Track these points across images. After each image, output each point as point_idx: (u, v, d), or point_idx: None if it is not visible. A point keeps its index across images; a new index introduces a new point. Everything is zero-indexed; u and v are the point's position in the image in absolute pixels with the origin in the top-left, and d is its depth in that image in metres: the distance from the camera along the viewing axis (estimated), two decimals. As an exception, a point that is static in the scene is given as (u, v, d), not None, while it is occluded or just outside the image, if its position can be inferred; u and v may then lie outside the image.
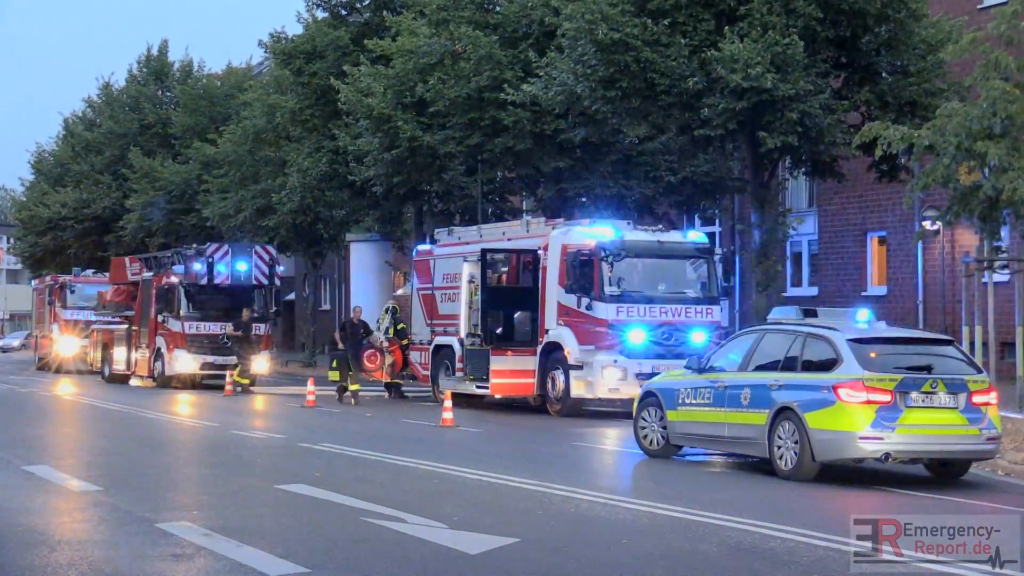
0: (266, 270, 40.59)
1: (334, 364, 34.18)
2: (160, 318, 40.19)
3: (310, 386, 32.32)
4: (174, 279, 40.24)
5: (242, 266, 39.88)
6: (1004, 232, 25.44)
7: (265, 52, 53.14)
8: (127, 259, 47.37)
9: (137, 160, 64.69)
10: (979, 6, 36.83)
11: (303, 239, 53.92)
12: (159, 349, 39.94)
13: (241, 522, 13.29)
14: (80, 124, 78.18)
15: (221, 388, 36.61)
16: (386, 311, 37.66)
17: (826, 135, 31.52)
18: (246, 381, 36.92)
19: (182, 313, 39.65)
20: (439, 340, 33.16)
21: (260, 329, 39.39)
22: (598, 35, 31.51)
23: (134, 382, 42.19)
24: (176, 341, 39.28)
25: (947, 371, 17.13)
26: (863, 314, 19.35)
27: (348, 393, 32.90)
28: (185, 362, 39.17)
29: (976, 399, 16.87)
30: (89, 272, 57.37)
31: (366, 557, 11.56)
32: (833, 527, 12.68)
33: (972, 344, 24.41)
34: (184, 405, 32.95)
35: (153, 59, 73.24)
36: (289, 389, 37.71)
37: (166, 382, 39.39)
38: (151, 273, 42.72)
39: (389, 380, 35.45)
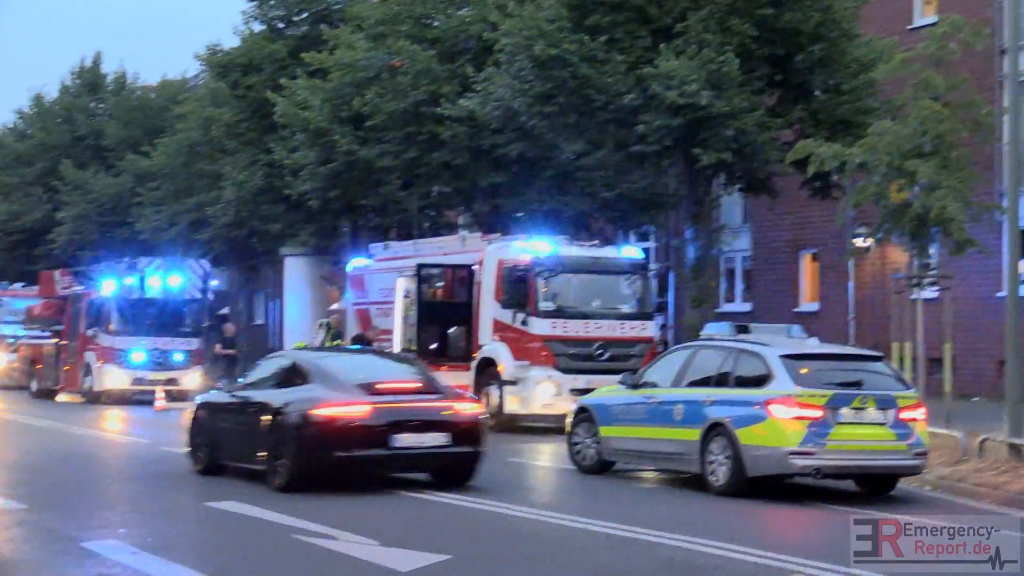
0: (200, 284, 40.38)
1: None
2: (90, 332, 39.81)
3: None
4: (105, 293, 39.90)
5: (175, 280, 39.64)
6: (933, 249, 25.68)
7: (201, 65, 52.83)
8: (57, 272, 46.86)
9: (69, 172, 63.85)
10: (909, 27, 37.27)
11: (237, 253, 53.63)
12: (88, 364, 39.53)
13: (170, 540, 13.22)
14: (11, 135, 77.32)
15: (151, 403, 36.24)
16: (320, 326, 37.49)
17: (760, 152, 31.76)
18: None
19: (113, 327, 39.29)
20: (373, 355, 33.04)
21: (193, 344, 39.26)
22: (535, 51, 31.63)
23: (62, 398, 41.71)
24: (106, 356, 38.90)
25: (877, 387, 17.30)
26: (795, 330, 19.51)
27: None
28: (116, 377, 38.79)
29: (904, 415, 17.03)
30: (18, 286, 56.63)
31: (295, 574, 11.52)
32: (764, 543, 12.76)
33: (901, 360, 24.64)
34: (114, 421, 32.62)
35: (87, 71, 72.34)
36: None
37: (96, 398, 38.87)
38: (81, 287, 42.35)
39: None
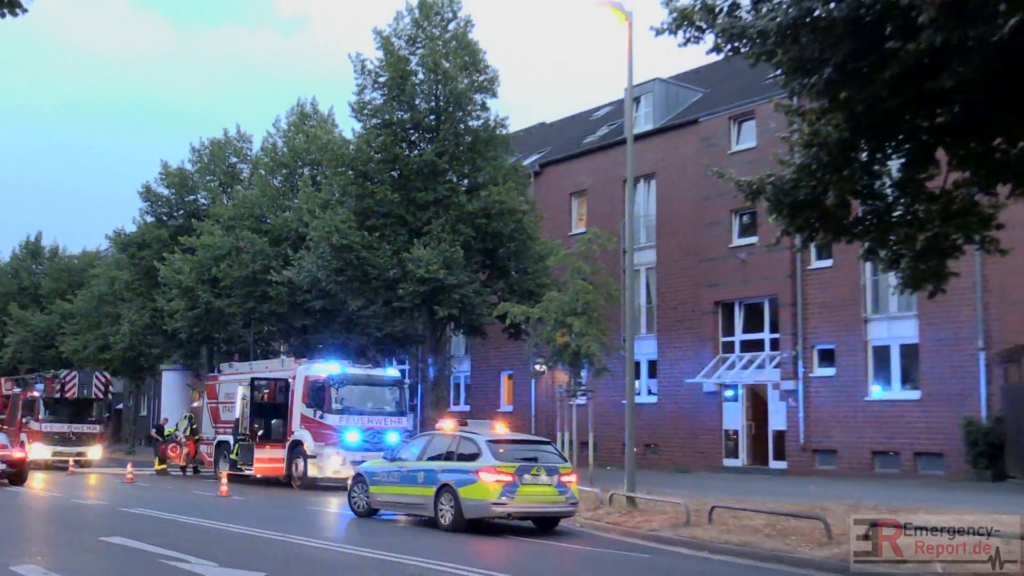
0: (103, 388, 38.74)
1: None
2: (24, 420, 37.49)
3: (129, 468, 30.56)
4: (36, 393, 37.79)
5: (85, 385, 37.98)
6: (583, 373, 26.24)
7: (110, 242, 51.32)
8: (2, 379, 44.19)
9: (15, 312, 61.18)
10: (569, 233, 38.47)
11: (130, 368, 52.00)
12: (23, 442, 36.99)
13: (73, 564, 12.31)
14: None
15: (66, 469, 34.03)
16: (184, 417, 36.17)
17: (476, 309, 32.10)
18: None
19: (40, 417, 37.18)
20: (220, 437, 32.03)
21: (97, 429, 37.39)
22: (333, 240, 31.52)
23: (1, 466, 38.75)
24: (35, 436, 36.72)
25: (547, 460, 17.44)
26: (495, 425, 19.56)
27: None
28: (40, 451, 36.52)
29: (564, 478, 17.19)
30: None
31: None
32: (475, 562, 12.61)
33: (562, 443, 24.95)
34: (37, 481, 30.38)
35: (31, 244, 69.68)
36: (115, 470, 35.38)
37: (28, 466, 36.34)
38: (19, 389, 40.04)
39: (184, 464, 34.11)
